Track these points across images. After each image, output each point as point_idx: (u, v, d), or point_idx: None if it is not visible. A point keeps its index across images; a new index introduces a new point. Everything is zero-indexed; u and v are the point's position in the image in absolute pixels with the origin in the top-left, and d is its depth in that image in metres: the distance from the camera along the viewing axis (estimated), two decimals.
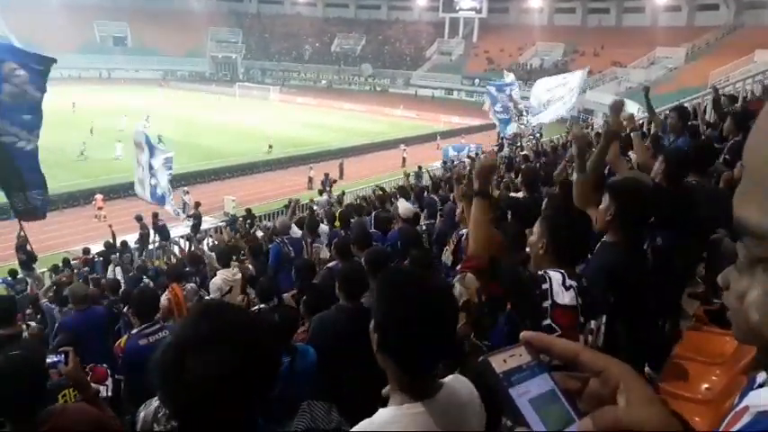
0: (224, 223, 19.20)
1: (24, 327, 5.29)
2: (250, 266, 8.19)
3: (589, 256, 2.88)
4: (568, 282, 2.25)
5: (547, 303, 2.19)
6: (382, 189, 15.90)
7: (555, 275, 2.26)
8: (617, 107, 4.34)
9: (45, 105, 9.98)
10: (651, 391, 0.66)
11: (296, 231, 8.88)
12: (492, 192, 2.70)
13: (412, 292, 1.49)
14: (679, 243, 3.54)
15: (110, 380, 4.23)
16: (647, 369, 3.82)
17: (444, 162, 23.85)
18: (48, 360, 2.90)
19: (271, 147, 35.51)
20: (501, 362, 0.68)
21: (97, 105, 46.30)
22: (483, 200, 2.53)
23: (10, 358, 2.27)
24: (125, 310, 6.89)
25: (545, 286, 2.21)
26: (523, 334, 0.71)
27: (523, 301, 2.27)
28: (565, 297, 2.20)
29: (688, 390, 3.40)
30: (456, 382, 1.63)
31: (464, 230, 5.58)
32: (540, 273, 2.31)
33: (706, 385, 3.42)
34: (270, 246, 8.91)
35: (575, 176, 3.70)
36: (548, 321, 2.17)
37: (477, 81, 64.11)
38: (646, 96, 7.77)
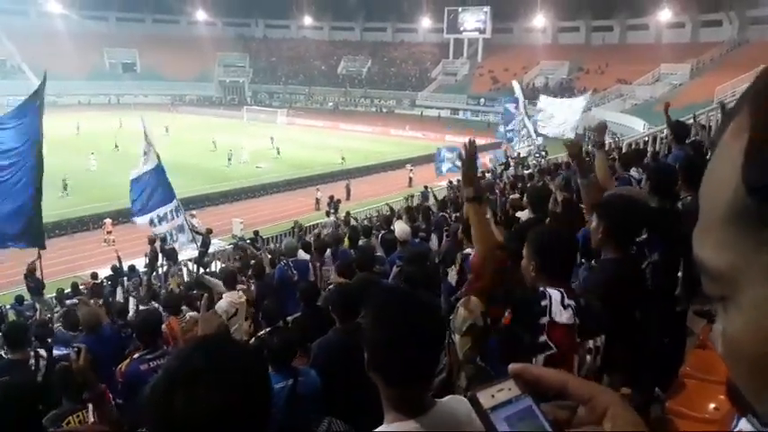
0: (231, 246, 19.24)
1: (32, 353, 5.29)
2: (252, 287, 8.18)
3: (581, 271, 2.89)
4: (567, 301, 2.26)
5: (544, 320, 2.20)
6: (391, 208, 15.95)
7: (554, 294, 2.27)
8: (600, 128, 4.89)
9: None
10: (639, 419, 0.66)
11: (302, 255, 8.84)
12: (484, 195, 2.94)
13: (394, 309, 1.54)
14: (674, 259, 3.54)
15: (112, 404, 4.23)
16: (656, 390, 3.77)
17: (450, 182, 23.84)
18: (56, 351, 2.91)
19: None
20: (489, 397, 0.67)
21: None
22: (475, 203, 2.83)
23: (4, 384, 2.28)
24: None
25: (544, 303, 2.23)
26: (511, 367, 0.71)
27: (525, 315, 2.29)
28: (563, 316, 2.21)
29: (695, 409, 3.35)
30: (453, 402, 1.63)
31: (468, 250, 5.59)
32: (540, 289, 2.32)
33: (713, 405, 3.37)
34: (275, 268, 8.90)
35: (580, 181, 3.81)
36: (543, 338, 2.18)
37: (482, 101, 64.40)
38: (665, 113, 8.04)
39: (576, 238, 2.75)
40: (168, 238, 13.73)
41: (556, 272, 2.46)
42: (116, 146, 39.51)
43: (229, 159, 37.37)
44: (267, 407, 1.19)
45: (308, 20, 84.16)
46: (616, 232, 2.86)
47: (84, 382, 2.69)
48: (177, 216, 13.36)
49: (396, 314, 1.52)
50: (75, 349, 2.68)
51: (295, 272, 7.93)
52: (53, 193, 28.22)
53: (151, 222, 13.30)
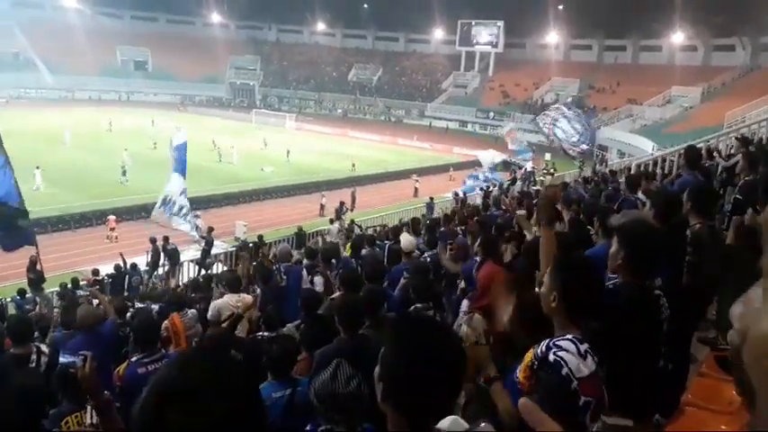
0: (234, 248, 19.23)
1: (34, 348, 5.27)
2: (258, 291, 8.15)
3: None
4: (582, 347, 2.16)
5: (574, 385, 2.10)
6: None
7: (568, 349, 2.15)
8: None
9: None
10: None
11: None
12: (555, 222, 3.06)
13: (420, 345, 1.46)
14: (678, 285, 3.50)
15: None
16: (656, 416, 3.73)
17: (456, 194, 23.82)
18: (62, 359, 2.88)
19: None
20: None
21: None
22: (545, 230, 3.07)
23: (15, 387, 2.25)
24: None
25: (564, 371, 2.12)
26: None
27: (555, 394, 2.15)
28: (584, 368, 2.12)
29: None
30: (453, 426, 1.60)
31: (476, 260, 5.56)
32: (552, 358, 2.17)
33: None
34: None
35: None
36: (582, 399, 2.09)
37: (491, 114, 64.52)
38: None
39: (601, 274, 2.61)
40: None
41: (578, 313, 2.31)
42: (155, 145, 40.06)
43: (219, 156, 38.77)
44: (261, 419, 1.16)
45: (320, 26, 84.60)
46: (636, 259, 2.81)
47: (88, 389, 2.66)
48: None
49: (423, 349, 1.44)
50: (82, 357, 2.65)
51: (284, 277, 7.87)
52: (114, 178, 30.75)
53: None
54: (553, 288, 2.36)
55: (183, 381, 1.06)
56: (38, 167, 27.71)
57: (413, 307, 4.96)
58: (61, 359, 5.09)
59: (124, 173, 30.89)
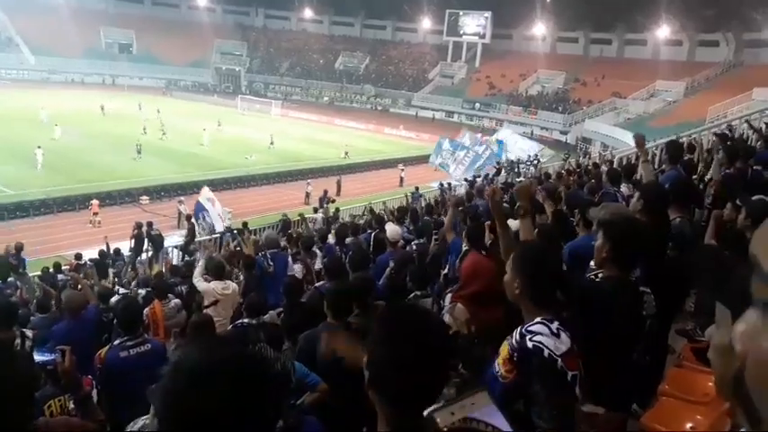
0: (219, 235, 19.16)
1: (18, 333, 5.23)
2: (240, 278, 8.16)
3: None
4: (553, 327, 2.21)
5: (560, 363, 2.14)
6: (371, 210, 16.00)
7: (541, 332, 2.20)
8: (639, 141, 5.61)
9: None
10: None
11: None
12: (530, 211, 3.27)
13: (408, 333, 1.45)
14: (657, 277, 3.56)
15: (94, 391, 4.22)
16: (633, 406, 3.82)
17: (441, 184, 23.84)
18: (39, 358, 2.89)
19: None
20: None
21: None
22: (523, 219, 3.18)
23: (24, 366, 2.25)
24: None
25: (546, 353, 2.15)
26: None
27: (544, 376, 2.20)
28: (561, 344, 2.16)
29: (671, 428, 3.39)
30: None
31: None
32: (531, 344, 2.20)
33: (690, 424, 3.41)
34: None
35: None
36: (570, 374, 2.14)
37: (477, 105, 64.52)
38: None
39: (561, 259, 2.70)
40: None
41: (543, 294, 2.37)
42: (144, 129, 39.66)
43: (164, 133, 39.01)
44: (275, 405, 1.22)
45: (308, 13, 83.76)
46: (622, 252, 2.84)
47: (69, 384, 2.68)
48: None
49: (413, 340, 1.42)
50: (60, 353, 2.67)
51: (272, 263, 7.91)
52: (128, 155, 32.10)
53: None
54: (516, 276, 2.42)
55: (205, 362, 1.13)
56: (39, 147, 28.38)
57: (412, 294, 4.99)
58: (37, 357, 5.07)
59: (139, 150, 32.24)
